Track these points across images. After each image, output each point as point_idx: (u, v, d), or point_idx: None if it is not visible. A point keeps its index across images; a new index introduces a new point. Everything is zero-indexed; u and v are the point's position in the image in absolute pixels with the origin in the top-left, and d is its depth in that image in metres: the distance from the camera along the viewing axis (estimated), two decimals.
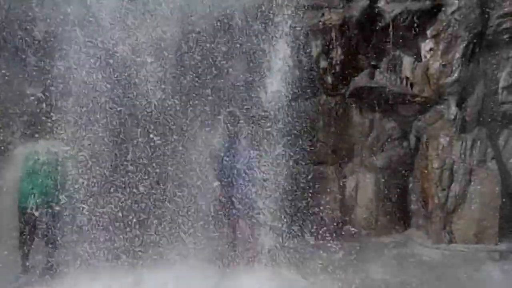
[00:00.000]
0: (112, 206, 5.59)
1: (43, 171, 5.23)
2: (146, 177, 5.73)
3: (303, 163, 6.12)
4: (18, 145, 5.47)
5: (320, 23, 5.85)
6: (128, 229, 5.60)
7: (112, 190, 5.64)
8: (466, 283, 5.17)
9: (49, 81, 5.57)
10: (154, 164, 5.65)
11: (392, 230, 6.37)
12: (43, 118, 5.54)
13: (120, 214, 5.62)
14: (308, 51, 5.88)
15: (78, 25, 5.51)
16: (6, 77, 5.69)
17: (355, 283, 5.16)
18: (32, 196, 5.20)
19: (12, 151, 5.44)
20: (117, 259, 5.39)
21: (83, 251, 5.37)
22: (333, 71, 6.02)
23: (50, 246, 5.30)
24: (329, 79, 6.07)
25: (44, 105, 5.63)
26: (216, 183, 5.31)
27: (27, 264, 5.26)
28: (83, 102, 5.58)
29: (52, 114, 5.55)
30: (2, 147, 5.55)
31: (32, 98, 5.71)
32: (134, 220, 5.62)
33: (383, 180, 6.30)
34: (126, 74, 5.62)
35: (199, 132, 5.52)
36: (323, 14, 5.84)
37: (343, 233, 6.25)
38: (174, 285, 4.95)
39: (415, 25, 5.90)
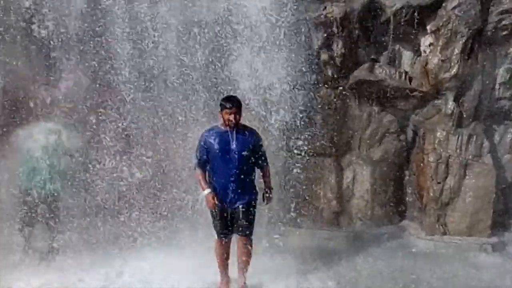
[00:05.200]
0: (111, 192, 5.68)
1: (44, 154, 5.26)
2: (145, 165, 5.81)
3: (302, 154, 6.20)
4: (19, 128, 5.48)
5: (322, 16, 5.87)
6: (125, 215, 5.69)
7: (111, 175, 5.72)
8: (458, 274, 5.27)
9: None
10: (153, 153, 5.73)
11: (387, 221, 6.45)
12: (44, 100, 5.59)
13: (118, 199, 5.71)
14: (309, 43, 5.91)
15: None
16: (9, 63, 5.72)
17: (349, 272, 5.26)
18: (33, 179, 5.24)
19: (12, 134, 5.47)
20: (116, 243, 5.49)
21: (83, 235, 5.47)
22: (333, 64, 6.05)
23: (51, 230, 5.36)
24: (329, 71, 6.11)
25: (43, 87, 5.67)
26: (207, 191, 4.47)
27: (28, 247, 5.33)
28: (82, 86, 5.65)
29: (52, 96, 5.60)
30: (2, 130, 5.58)
31: (32, 81, 5.74)
32: (132, 206, 5.72)
33: (379, 172, 6.36)
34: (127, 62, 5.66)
35: (199, 122, 5.57)
36: (325, 7, 5.86)
37: (339, 223, 6.37)
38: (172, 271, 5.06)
39: (416, 20, 5.93)
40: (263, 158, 4.63)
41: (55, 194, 5.28)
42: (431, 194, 6.15)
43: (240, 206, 4.48)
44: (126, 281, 4.91)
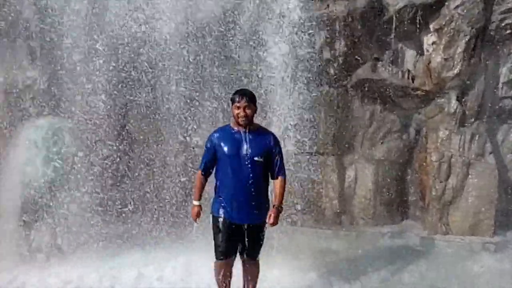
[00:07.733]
0: (112, 191, 5.68)
1: (48, 149, 5.27)
2: (146, 163, 5.81)
3: (304, 153, 6.19)
4: (23, 122, 5.49)
5: (325, 14, 5.86)
6: (127, 214, 5.69)
7: (114, 173, 5.71)
8: (461, 274, 5.26)
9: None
10: (157, 152, 5.72)
11: (389, 220, 6.45)
12: (47, 95, 5.59)
13: (120, 198, 5.70)
14: (311, 42, 5.90)
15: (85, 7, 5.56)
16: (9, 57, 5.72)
17: (351, 271, 5.25)
18: (37, 174, 5.24)
19: (16, 129, 5.47)
20: (119, 242, 5.49)
21: (86, 233, 5.46)
22: (336, 62, 6.04)
23: (54, 227, 5.36)
24: (332, 70, 6.10)
25: (47, 82, 5.67)
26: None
27: (32, 244, 5.32)
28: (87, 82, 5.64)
29: (55, 91, 5.61)
30: (7, 125, 5.59)
31: (35, 75, 5.74)
32: (134, 205, 5.71)
33: (382, 171, 6.36)
34: (132, 59, 5.67)
35: (205, 121, 5.57)
36: (328, 6, 5.86)
37: (342, 222, 6.36)
38: (171, 271, 5.04)
39: (419, 18, 5.92)
40: (279, 167, 3.89)
41: (57, 189, 5.28)
42: (434, 193, 6.14)
43: (250, 226, 3.84)
44: (135, 281, 4.90)
